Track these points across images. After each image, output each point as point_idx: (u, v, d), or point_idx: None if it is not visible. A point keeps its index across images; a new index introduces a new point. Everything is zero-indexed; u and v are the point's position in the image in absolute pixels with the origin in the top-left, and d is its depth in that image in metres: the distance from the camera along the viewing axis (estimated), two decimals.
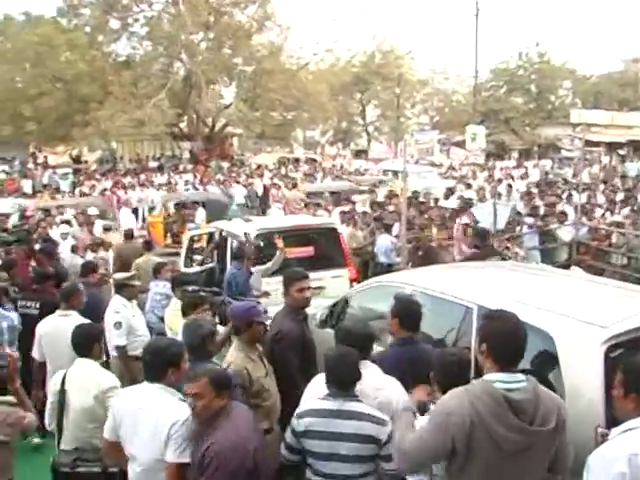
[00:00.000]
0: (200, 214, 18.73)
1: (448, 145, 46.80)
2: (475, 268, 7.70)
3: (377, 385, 4.34)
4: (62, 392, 5.11)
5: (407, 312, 5.06)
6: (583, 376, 4.46)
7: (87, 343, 5.34)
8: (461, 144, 44.88)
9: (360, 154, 47.22)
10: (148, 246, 11.90)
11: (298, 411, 4.25)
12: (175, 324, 6.66)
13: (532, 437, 3.22)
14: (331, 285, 9.52)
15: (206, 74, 34.94)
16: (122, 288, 7.57)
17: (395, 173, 26.08)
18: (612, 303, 5.42)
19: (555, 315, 4.93)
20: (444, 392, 3.54)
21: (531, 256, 11.93)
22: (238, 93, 39.57)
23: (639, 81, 57.67)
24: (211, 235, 12.04)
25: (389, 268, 11.32)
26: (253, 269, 9.24)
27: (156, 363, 4.21)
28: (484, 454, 3.23)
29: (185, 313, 6.34)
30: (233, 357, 5.05)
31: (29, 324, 7.21)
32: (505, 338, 3.36)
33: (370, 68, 51.89)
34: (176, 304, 7.19)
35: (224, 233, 11.02)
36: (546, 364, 4.76)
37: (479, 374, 3.55)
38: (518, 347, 3.39)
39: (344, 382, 4.16)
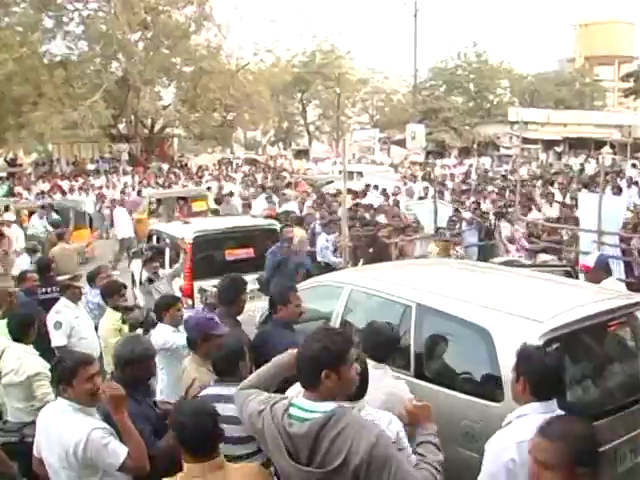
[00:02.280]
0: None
1: (388, 144, 47.17)
2: (416, 265, 7.72)
3: (388, 391, 4.20)
4: None
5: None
6: None
7: (21, 328, 5.66)
8: (401, 143, 45.34)
9: (301, 154, 47.20)
10: (60, 236, 12.98)
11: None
12: (110, 337, 6.46)
13: (305, 473, 2.87)
14: None
15: (143, 74, 34.40)
16: (66, 290, 7.33)
17: (351, 174, 26.05)
18: (549, 298, 5.46)
19: (493, 311, 4.94)
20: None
21: (470, 253, 12.04)
22: (177, 94, 39.18)
23: (574, 80, 59.21)
24: (149, 238, 11.82)
25: (328, 268, 11.20)
26: (160, 272, 9.07)
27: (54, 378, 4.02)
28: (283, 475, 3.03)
29: (160, 318, 6.15)
30: (194, 373, 4.69)
31: None
32: (301, 357, 3.04)
33: (310, 68, 51.96)
34: (111, 316, 6.90)
35: (163, 235, 10.84)
36: (484, 359, 4.76)
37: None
38: (304, 366, 3.02)
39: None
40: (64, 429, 3.74)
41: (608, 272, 7.30)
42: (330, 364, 2.95)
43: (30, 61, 32.40)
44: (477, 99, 56.52)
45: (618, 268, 10.04)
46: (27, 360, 5.43)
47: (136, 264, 11.47)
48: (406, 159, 38.48)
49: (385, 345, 4.38)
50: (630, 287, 7.91)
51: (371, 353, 4.26)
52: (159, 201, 19.53)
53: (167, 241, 10.54)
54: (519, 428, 3.33)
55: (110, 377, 4.69)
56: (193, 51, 37.58)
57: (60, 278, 7.92)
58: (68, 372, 3.83)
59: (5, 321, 6.07)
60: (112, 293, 7.10)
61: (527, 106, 52.57)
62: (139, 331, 6.65)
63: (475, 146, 49.87)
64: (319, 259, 12.04)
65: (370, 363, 4.15)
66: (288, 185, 24.56)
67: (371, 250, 10.19)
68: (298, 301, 5.48)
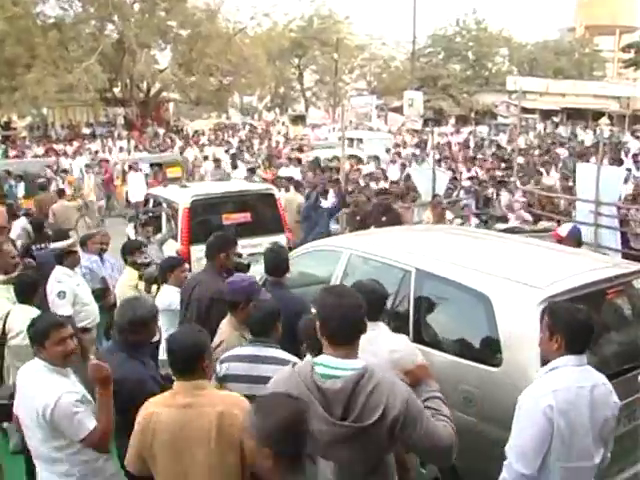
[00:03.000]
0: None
1: (386, 111, 46.85)
2: (413, 231, 7.71)
3: (391, 347, 4.17)
4: (3, 332, 5.57)
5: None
6: (520, 336, 4.50)
7: (28, 290, 5.76)
8: (398, 110, 45.03)
9: (297, 120, 46.92)
10: (61, 193, 14.00)
11: (221, 357, 4.29)
12: (126, 293, 6.43)
13: (344, 431, 2.91)
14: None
15: (139, 37, 34.02)
16: (63, 257, 7.10)
17: (351, 140, 25.89)
18: (548, 265, 5.47)
19: (492, 277, 4.95)
20: None
21: (468, 220, 12.04)
22: (173, 57, 38.75)
23: (574, 50, 58.74)
24: (146, 202, 11.78)
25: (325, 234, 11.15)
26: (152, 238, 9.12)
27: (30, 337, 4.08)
28: None
29: (165, 279, 6.17)
30: (226, 335, 4.70)
31: None
32: (331, 311, 3.03)
33: (308, 33, 51.50)
34: (129, 273, 6.92)
35: (159, 199, 10.79)
36: (483, 325, 4.78)
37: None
38: (348, 325, 3.04)
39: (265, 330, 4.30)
40: (37, 390, 3.82)
41: (579, 244, 7.30)
42: (364, 321, 3.08)
43: (23, 22, 31.93)
44: (475, 67, 56.02)
45: (615, 238, 10.09)
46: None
47: (131, 228, 11.45)
48: (403, 126, 38.26)
49: (377, 303, 4.32)
50: (626, 258, 7.93)
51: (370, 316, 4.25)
52: (131, 168, 18.91)
53: (164, 205, 10.50)
54: (554, 378, 3.49)
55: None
56: (190, 14, 37.12)
57: (56, 245, 7.74)
58: (40, 334, 3.93)
59: (7, 286, 6.12)
60: (132, 250, 7.18)
61: (526, 75, 52.13)
62: (154, 287, 6.70)
63: (473, 114, 49.63)
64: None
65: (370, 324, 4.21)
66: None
67: (384, 218, 10.05)
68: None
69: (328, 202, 11.74)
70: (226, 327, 4.79)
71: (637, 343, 5.25)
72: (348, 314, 3.03)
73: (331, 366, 2.99)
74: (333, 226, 11.29)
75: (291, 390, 2.89)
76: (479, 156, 21.25)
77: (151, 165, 18.29)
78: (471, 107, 50.95)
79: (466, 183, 13.76)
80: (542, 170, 16.28)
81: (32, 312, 5.45)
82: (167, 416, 3.36)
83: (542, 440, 3.40)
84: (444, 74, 52.11)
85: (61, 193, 14.06)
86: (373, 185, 14.18)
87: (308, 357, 3.99)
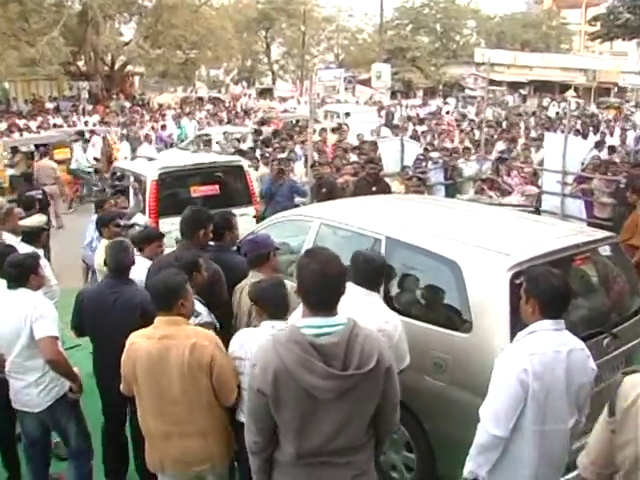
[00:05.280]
0: None
1: (354, 83, 46.70)
2: (382, 201, 7.72)
3: (385, 318, 4.30)
4: None
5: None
6: (489, 302, 4.57)
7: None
8: (366, 82, 44.96)
9: (265, 93, 46.57)
10: (44, 154, 16.01)
11: None
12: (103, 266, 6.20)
13: (346, 381, 2.96)
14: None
15: (103, 9, 33.29)
16: (33, 238, 6.95)
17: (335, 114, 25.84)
18: (516, 232, 5.54)
19: (462, 244, 5.00)
20: None
21: (436, 191, 12.08)
22: (138, 29, 38.02)
23: (541, 23, 58.93)
24: (113, 174, 11.64)
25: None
26: None
27: (18, 273, 4.78)
28: (297, 403, 3.01)
29: (140, 249, 6.08)
30: None
31: None
32: (316, 280, 3.04)
33: (275, 4, 50.92)
34: (103, 245, 6.67)
35: (126, 173, 10.68)
36: (453, 291, 4.84)
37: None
38: (331, 289, 3.07)
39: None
40: (21, 303, 4.66)
41: None
42: (345, 286, 3.16)
43: None
44: (443, 39, 55.98)
45: (580, 208, 10.22)
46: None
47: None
48: (371, 99, 38.19)
49: (376, 273, 4.44)
50: (591, 227, 8.03)
51: (361, 282, 4.35)
52: (15, 149, 17.49)
53: (131, 179, 10.40)
54: (531, 342, 3.53)
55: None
56: None
57: (25, 223, 7.55)
58: (31, 267, 4.86)
59: None
60: (108, 222, 6.98)
61: (493, 48, 52.21)
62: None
63: (441, 87, 49.72)
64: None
65: (361, 291, 4.33)
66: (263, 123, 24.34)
67: (374, 188, 10.00)
68: (236, 227, 5.99)
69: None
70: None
71: (602, 309, 5.36)
72: (332, 282, 3.06)
73: (318, 325, 3.02)
74: (297, 199, 11.25)
75: (283, 357, 2.95)
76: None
77: (36, 146, 17.50)
78: (439, 79, 51.03)
79: (434, 154, 13.78)
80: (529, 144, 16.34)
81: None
82: (146, 346, 3.89)
83: (516, 403, 3.43)
84: (412, 46, 52.02)
85: (44, 154, 16.05)
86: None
87: (273, 323, 4.10)
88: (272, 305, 4.21)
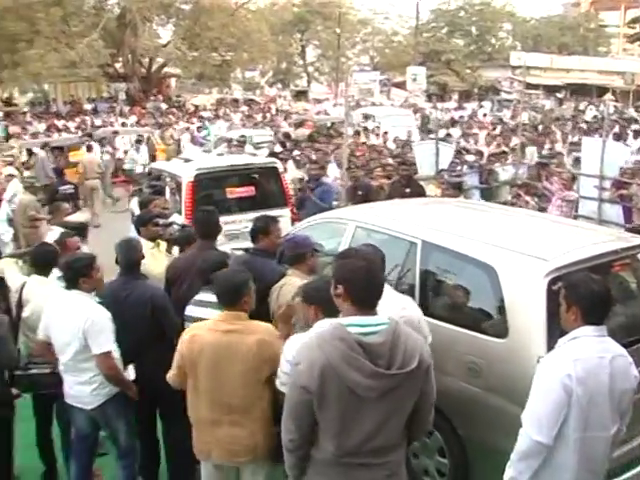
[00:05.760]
0: None
1: (389, 86, 46.59)
2: (417, 204, 7.70)
3: (401, 305, 4.38)
4: (19, 303, 5.56)
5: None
6: (526, 308, 4.53)
7: (44, 263, 5.75)
8: (401, 85, 44.84)
9: (300, 95, 46.69)
10: (90, 148, 17.46)
11: None
12: (152, 266, 6.22)
13: (390, 380, 3.00)
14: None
15: (142, 12, 33.72)
16: (79, 233, 7.09)
17: (366, 117, 25.78)
18: (554, 237, 5.48)
19: (499, 249, 4.96)
20: None
21: (471, 196, 11.99)
22: (176, 32, 38.42)
23: (578, 25, 58.21)
24: (149, 174, 11.77)
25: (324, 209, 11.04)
26: None
27: (69, 275, 4.85)
28: (340, 401, 3.01)
29: (182, 249, 6.35)
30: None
31: None
32: (361, 278, 3.09)
33: (311, 7, 51.02)
34: (144, 244, 6.80)
35: (163, 174, 10.79)
36: (490, 296, 4.81)
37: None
38: (375, 287, 3.13)
39: None
40: (78, 309, 4.71)
41: None
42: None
43: None
44: (479, 42, 55.59)
45: (618, 213, 10.06)
46: (50, 295, 5.39)
47: (135, 202, 11.44)
48: (406, 101, 38.04)
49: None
50: (630, 232, 7.92)
51: None
52: (30, 152, 18.06)
53: (167, 179, 10.49)
54: (575, 347, 3.48)
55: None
56: None
57: (70, 218, 7.75)
58: (85, 267, 4.85)
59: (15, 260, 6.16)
60: (146, 222, 7.06)
61: (529, 51, 51.73)
62: (175, 249, 6.83)
63: (476, 90, 49.38)
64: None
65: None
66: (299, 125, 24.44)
67: (407, 190, 9.97)
68: (278, 232, 5.90)
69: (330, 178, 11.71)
70: (295, 279, 4.93)
71: None
72: (376, 279, 3.14)
73: (363, 324, 3.04)
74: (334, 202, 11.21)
75: (329, 354, 2.97)
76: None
77: (52, 148, 17.65)
78: (474, 82, 50.67)
79: (470, 158, 13.69)
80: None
81: (48, 283, 5.58)
82: (212, 338, 4.04)
83: (559, 408, 3.38)
84: (447, 49, 51.73)
85: (90, 148, 17.50)
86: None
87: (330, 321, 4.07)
88: (328, 303, 4.17)
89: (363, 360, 2.96)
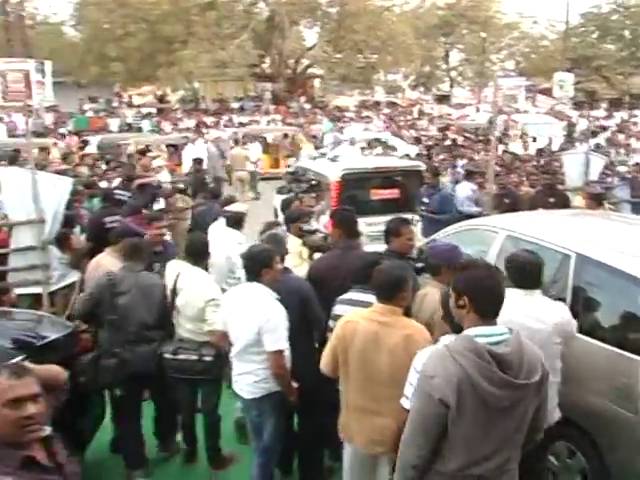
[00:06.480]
0: None
1: (534, 92, 45.28)
2: (568, 215, 7.49)
3: (558, 313, 4.45)
4: (173, 291, 5.72)
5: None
6: None
7: (198, 253, 5.92)
8: (547, 92, 43.49)
9: (442, 99, 46.27)
10: (237, 142, 19.30)
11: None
12: (294, 262, 6.37)
13: (518, 391, 3.02)
14: (417, 227, 9.39)
15: (290, 14, 34.61)
16: (237, 222, 7.50)
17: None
18: None
19: None
20: None
21: (621, 209, 11.52)
22: (322, 34, 39.13)
23: None
24: (293, 173, 12.02)
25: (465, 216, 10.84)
26: None
27: (252, 266, 4.95)
28: (474, 413, 3.00)
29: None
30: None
31: None
32: (486, 288, 3.14)
33: (456, 11, 50.40)
34: (292, 240, 6.94)
35: (309, 173, 10.99)
36: None
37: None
38: (500, 296, 3.17)
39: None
40: (260, 304, 4.82)
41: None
42: None
43: (183, 2, 33.41)
44: (632, 47, 52.94)
45: None
46: (204, 285, 5.71)
47: (279, 199, 11.72)
48: (552, 109, 36.85)
49: (537, 272, 4.52)
50: None
51: (521, 283, 4.45)
52: (173, 146, 18.84)
53: (313, 178, 10.68)
54: None
55: None
56: None
57: (230, 208, 8.02)
58: (267, 258, 4.96)
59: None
60: (295, 219, 7.31)
61: None
62: (317, 255, 6.83)
63: (627, 98, 47.14)
64: (460, 209, 11.76)
65: (519, 292, 4.42)
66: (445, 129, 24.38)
67: (552, 200, 9.76)
68: (410, 234, 5.91)
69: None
70: (435, 290, 4.87)
71: None
72: (500, 288, 3.18)
73: (490, 334, 3.08)
74: (472, 208, 11.06)
75: (465, 366, 2.97)
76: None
77: (167, 146, 18.48)
78: (626, 90, 48.36)
79: (622, 168, 13.14)
80: None
81: (199, 273, 5.81)
82: (365, 327, 4.17)
83: None
84: (598, 54, 49.61)
85: (237, 141, 19.27)
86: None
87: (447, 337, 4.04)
88: None
89: (496, 370, 2.97)
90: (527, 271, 4.50)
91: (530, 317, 4.18)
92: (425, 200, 10.09)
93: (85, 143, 19.96)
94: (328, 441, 5.32)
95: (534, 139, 20.98)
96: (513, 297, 4.17)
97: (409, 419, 3.21)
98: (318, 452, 5.56)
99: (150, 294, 5.70)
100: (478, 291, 3.13)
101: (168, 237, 7.70)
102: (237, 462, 5.87)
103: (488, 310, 3.14)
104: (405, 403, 3.54)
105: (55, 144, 19.60)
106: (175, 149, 18.50)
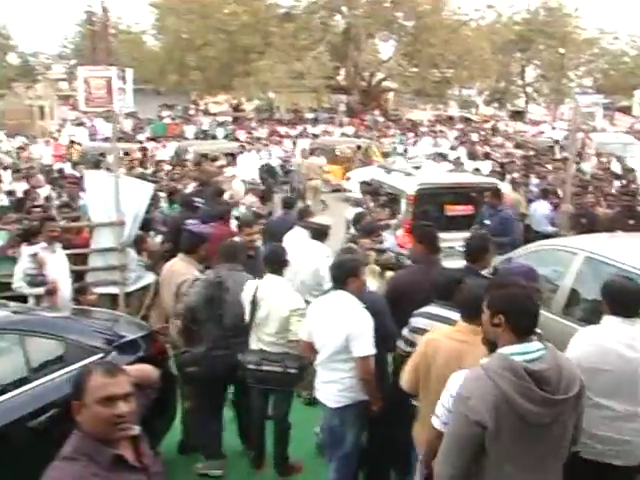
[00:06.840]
0: None
1: (612, 110, 44.24)
2: None
3: None
4: (254, 301, 5.65)
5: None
6: None
7: (279, 262, 5.88)
8: (626, 110, 42.47)
9: (516, 115, 45.67)
10: (312, 152, 19.13)
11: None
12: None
13: (558, 407, 3.01)
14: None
15: (366, 27, 34.85)
16: (321, 235, 7.43)
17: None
18: None
19: None
20: None
21: None
22: (397, 47, 39.23)
23: None
24: (365, 184, 12.04)
25: (539, 236, 10.62)
26: None
27: (339, 274, 5.02)
28: (513, 432, 2.99)
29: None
30: None
31: None
32: (522, 306, 3.16)
33: (533, 26, 49.70)
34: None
35: (384, 186, 11.01)
36: None
37: None
38: (535, 314, 3.19)
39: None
40: (347, 315, 4.85)
41: None
42: None
43: (262, 14, 34.08)
44: None
45: None
46: (287, 294, 5.69)
47: (352, 211, 11.79)
48: (631, 128, 35.96)
49: (636, 299, 4.27)
50: None
51: (619, 310, 4.24)
52: (204, 156, 18.44)
53: (388, 192, 10.69)
54: None
55: None
56: (416, 5, 37.32)
57: (317, 221, 7.88)
58: (353, 268, 5.04)
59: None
60: (368, 234, 7.33)
61: None
62: (389, 273, 6.82)
63: None
64: (536, 228, 11.36)
65: (616, 320, 4.21)
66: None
67: (632, 222, 9.57)
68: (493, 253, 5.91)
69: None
70: None
71: None
72: (535, 306, 3.22)
73: (525, 352, 3.09)
74: (548, 228, 10.94)
75: (502, 385, 2.97)
76: None
77: (226, 155, 18.68)
78: None
79: None
80: None
81: (281, 282, 5.78)
82: (446, 345, 4.13)
83: None
84: None
85: (312, 152, 19.17)
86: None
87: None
88: None
89: (533, 388, 2.98)
90: (624, 298, 4.30)
91: (622, 344, 4.12)
92: (486, 222, 9.72)
93: (144, 150, 20.37)
94: (396, 456, 5.29)
95: (617, 158, 20.42)
96: (608, 323, 4.17)
97: (445, 437, 3.21)
98: (386, 467, 5.54)
99: None
100: (514, 310, 3.16)
101: (259, 243, 7.75)
102: (303, 472, 5.92)
103: (523, 329, 3.15)
104: (435, 422, 3.48)
105: (144, 149, 20.46)
106: (232, 157, 18.82)
